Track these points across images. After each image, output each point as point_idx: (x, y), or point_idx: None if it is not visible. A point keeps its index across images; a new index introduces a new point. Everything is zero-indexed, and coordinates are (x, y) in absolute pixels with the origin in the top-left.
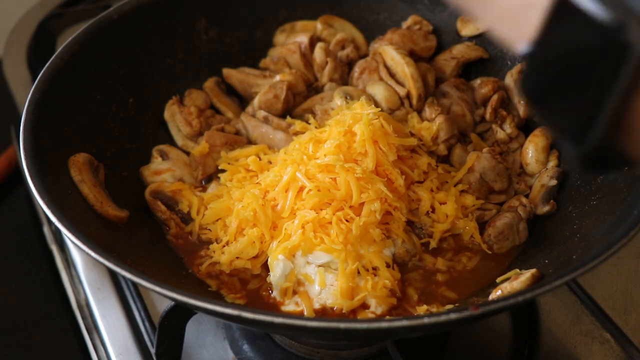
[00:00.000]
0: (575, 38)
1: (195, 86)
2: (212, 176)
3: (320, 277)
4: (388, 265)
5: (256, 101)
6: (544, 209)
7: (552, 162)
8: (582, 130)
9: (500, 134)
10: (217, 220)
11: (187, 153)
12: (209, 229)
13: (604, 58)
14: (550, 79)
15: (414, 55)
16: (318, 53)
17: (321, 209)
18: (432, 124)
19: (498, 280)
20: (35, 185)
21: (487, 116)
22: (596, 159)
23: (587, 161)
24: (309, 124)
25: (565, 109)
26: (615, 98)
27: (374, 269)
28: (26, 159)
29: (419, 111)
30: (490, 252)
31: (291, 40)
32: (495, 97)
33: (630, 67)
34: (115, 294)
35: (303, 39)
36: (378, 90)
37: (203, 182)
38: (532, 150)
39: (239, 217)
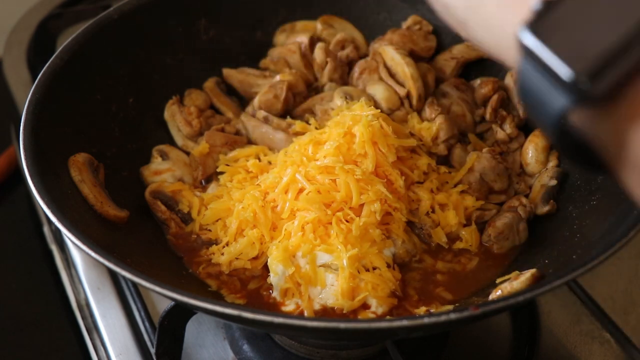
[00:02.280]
0: None
1: (195, 86)
2: (212, 176)
3: (320, 278)
4: (389, 266)
5: (256, 101)
6: (544, 209)
7: (552, 162)
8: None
9: (500, 134)
10: (217, 221)
11: (187, 153)
12: (209, 229)
13: None
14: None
15: (414, 55)
16: (318, 53)
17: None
18: (432, 124)
19: (498, 280)
20: (35, 185)
21: (487, 116)
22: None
23: (563, 129)
24: (309, 124)
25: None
26: None
27: (375, 269)
28: (26, 159)
29: (419, 111)
30: (488, 255)
31: (291, 40)
32: (495, 97)
33: None
34: (115, 294)
35: (303, 39)
36: (378, 91)
37: (203, 183)
38: (532, 150)
39: (239, 217)
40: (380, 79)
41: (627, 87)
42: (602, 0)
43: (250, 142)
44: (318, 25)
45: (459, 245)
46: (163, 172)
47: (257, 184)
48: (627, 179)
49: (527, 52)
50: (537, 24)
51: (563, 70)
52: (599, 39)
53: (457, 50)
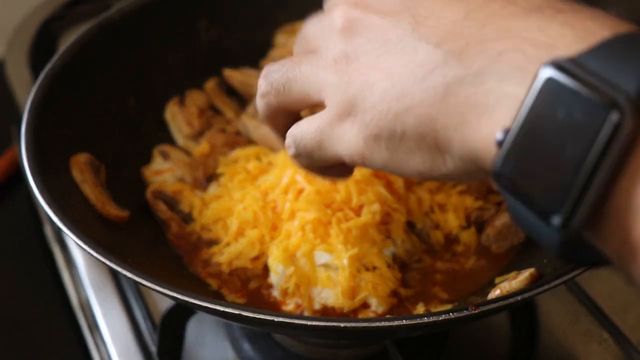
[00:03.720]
0: (557, 118)
1: (196, 86)
2: (212, 176)
3: (320, 277)
4: (389, 266)
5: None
6: None
7: None
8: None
9: None
10: (217, 221)
11: (189, 153)
12: (210, 229)
13: (589, 138)
14: (526, 164)
15: None
16: None
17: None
18: None
19: (497, 280)
20: (36, 186)
21: None
22: (573, 252)
23: (564, 250)
24: None
25: (543, 191)
26: (601, 178)
27: (375, 268)
28: (28, 159)
29: None
30: (487, 255)
31: (291, 41)
32: None
33: (618, 146)
34: (117, 294)
35: None
36: None
37: (204, 183)
38: None
39: (240, 218)
40: None
41: (607, 202)
42: (555, 131)
43: (250, 142)
44: None
45: (456, 248)
46: (164, 172)
47: (257, 185)
48: None
49: (503, 188)
50: (506, 158)
51: (540, 214)
52: (561, 170)
53: None
